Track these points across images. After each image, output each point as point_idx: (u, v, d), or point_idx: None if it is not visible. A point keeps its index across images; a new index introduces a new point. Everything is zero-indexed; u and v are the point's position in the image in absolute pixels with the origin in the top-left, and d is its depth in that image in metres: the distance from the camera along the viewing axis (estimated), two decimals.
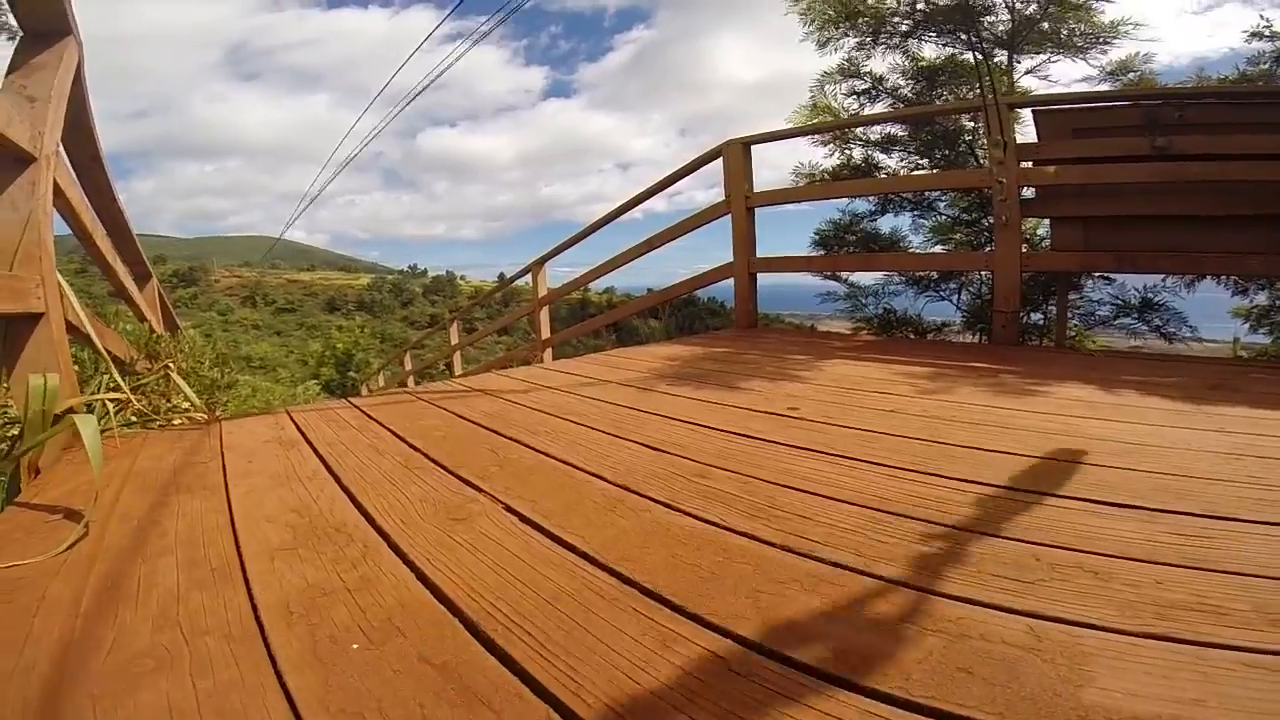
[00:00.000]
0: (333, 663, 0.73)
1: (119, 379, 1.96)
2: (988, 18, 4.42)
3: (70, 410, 1.51)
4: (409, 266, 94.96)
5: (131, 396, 2.04)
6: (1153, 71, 4.36)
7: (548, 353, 5.08)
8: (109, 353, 1.94)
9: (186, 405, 2.38)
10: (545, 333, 5.11)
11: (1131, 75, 4.30)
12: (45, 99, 1.66)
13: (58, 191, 1.72)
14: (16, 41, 1.77)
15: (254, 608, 0.86)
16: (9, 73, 1.71)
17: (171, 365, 2.59)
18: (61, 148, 1.82)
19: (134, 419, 2.08)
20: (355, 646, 0.76)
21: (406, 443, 1.64)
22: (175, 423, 2.15)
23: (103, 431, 1.60)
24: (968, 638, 0.73)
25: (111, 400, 1.92)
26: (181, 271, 67.55)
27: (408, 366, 9.00)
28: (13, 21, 1.85)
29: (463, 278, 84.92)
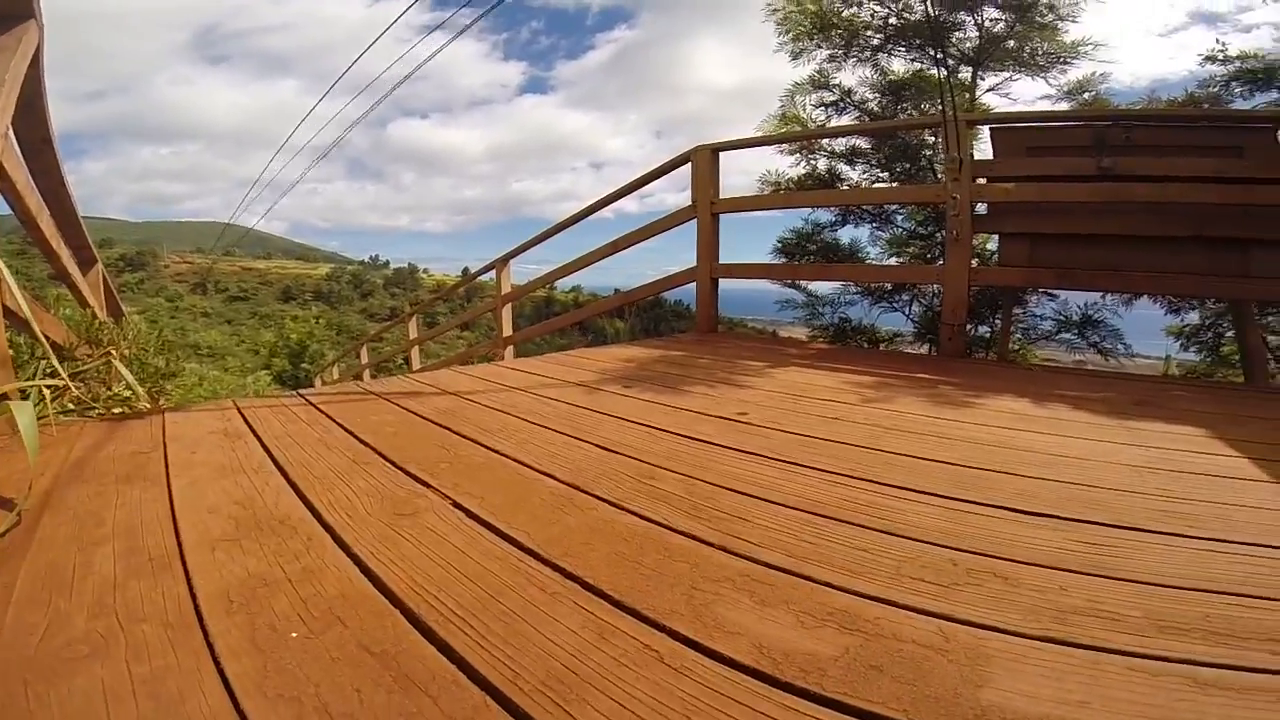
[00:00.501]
0: (271, 650, 0.74)
1: (57, 365, 1.90)
2: (957, 34, 4.56)
3: (3, 396, 1.46)
4: (370, 257, 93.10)
5: (70, 383, 1.98)
6: (1109, 91, 4.57)
7: (509, 350, 5.07)
8: (47, 338, 1.88)
9: (129, 394, 2.31)
10: (507, 330, 5.09)
11: (1087, 95, 4.48)
12: None
13: (2, 174, 1.69)
14: None
15: (193, 597, 0.86)
16: None
17: (114, 352, 2.51)
18: (10, 130, 1.78)
19: (71, 406, 2.01)
20: (295, 635, 0.77)
21: (356, 438, 1.63)
22: (116, 411, 2.08)
23: (39, 419, 1.55)
24: (882, 637, 0.78)
25: (48, 387, 1.86)
26: (129, 255, 64.81)
27: (364, 359, 8.84)
28: None
29: (426, 271, 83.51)
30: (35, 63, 1.98)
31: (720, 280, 3.94)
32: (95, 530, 1.07)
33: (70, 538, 1.04)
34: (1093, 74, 4.44)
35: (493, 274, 5.20)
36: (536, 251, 4.99)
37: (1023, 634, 0.78)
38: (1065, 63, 4.47)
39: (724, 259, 3.87)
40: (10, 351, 1.70)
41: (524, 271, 5.26)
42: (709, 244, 3.82)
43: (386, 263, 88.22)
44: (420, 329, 7.20)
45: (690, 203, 3.87)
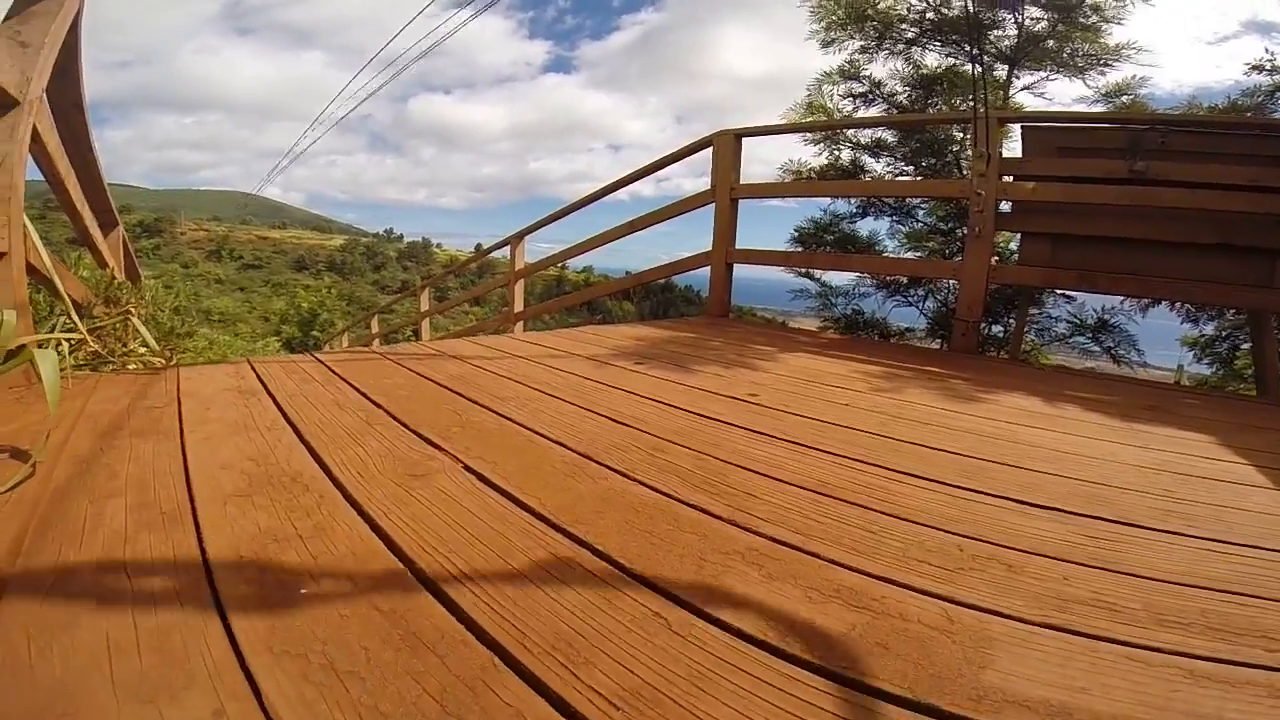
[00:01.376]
0: (279, 605, 0.75)
1: (75, 319, 1.92)
2: (995, 31, 4.44)
3: (23, 347, 1.47)
4: (385, 230, 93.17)
5: (88, 337, 2.00)
6: (1149, 96, 4.43)
7: (519, 325, 5.08)
8: (68, 296, 1.90)
9: (144, 350, 2.33)
10: (519, 305, 5.10)
11: (1125, 98, 4.35)
12: (38, 45, 1.66)
13: (35, 137, 1.71)
14: None
15: (203, 551, 0.86)
16: (7, 17, 1.69)
17: (133, 309, 2.52)
18: (45, 94, 1.79)
19: (84, 362, 2.03)
20: (304, 591, 0.78)
21: (369, 399, 1.64)
22: (131, 368, 2.10)
23: None
24: (888, 616, 0.78)
25: (66, 340, 1.87)
26: (147, 222, 64.92)
27: (374, 330, 8.88)
28: None
29: (439, 245, 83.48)
30: (74, 28, 1.99)
31: (734, 267, 3.92)
32: (108, 483, 1.08)
33: (83, 490, 1.05)
34: (1133, 78, 4.30)
35: (507, 250, 5.20)
36: (550, 231, 4.98)
37: (1025, 620, 0.79)
38: (1105, 65, 4.32)
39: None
40: (30, 307, 1.71)
41: (537, 250, 5.26)
42: (726, 228, 3.79)
43: (400, 236, 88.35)
44: (431, 302, 7.22)
45: (709, 188, 3.84)
